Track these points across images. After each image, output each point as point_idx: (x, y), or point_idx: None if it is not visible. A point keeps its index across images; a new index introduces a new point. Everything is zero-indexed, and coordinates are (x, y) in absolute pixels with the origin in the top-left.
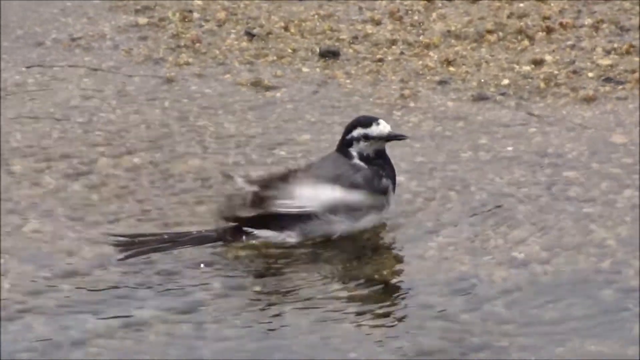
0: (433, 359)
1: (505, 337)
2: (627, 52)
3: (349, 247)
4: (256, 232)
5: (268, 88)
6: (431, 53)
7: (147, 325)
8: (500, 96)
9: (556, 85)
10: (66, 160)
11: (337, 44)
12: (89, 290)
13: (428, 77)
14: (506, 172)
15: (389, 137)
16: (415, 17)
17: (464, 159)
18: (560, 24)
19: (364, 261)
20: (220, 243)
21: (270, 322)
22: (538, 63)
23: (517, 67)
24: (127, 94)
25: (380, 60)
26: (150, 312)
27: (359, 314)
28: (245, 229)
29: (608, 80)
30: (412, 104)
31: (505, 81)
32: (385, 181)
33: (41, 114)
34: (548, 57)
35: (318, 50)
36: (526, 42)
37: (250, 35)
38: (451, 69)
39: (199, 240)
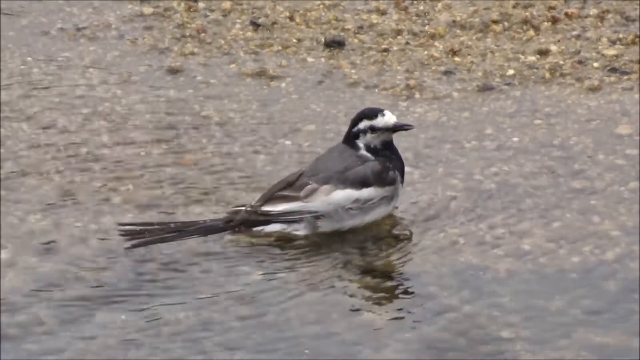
0: (439, 350)
1: (510, 328)
2: (633, 43)
3: (354, 239)
4: (266, 228)
5: (273, 78)
6: (436, 43)
7: (151, 317)
8: (506, 86)
9: (561, 76)
10: (71, 150)
11: (342, 33)
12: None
13: (433, 67)
14: (512, 163)
15: (395, 128)
16: (421, 7)
17: (469, 149)
18: (566, 14)
19: (369, 253)
20: (227, 232)
21: (275, 314)
22: (543, 53)
23: (522, 57)
24: (132, 83)
25: (385, 50)
26: (155, 304)
27: (364, 305)
28: (255, 228)
29: (613, 70)
30: (417, 94)
31: (511, 71)
32: (392, 173)
33: (46, 104)
34: (553, 47)
35: (323, 40)
36: (531, 32)
37: (256, 25)
38: (456, 59)
39: (207, 229)
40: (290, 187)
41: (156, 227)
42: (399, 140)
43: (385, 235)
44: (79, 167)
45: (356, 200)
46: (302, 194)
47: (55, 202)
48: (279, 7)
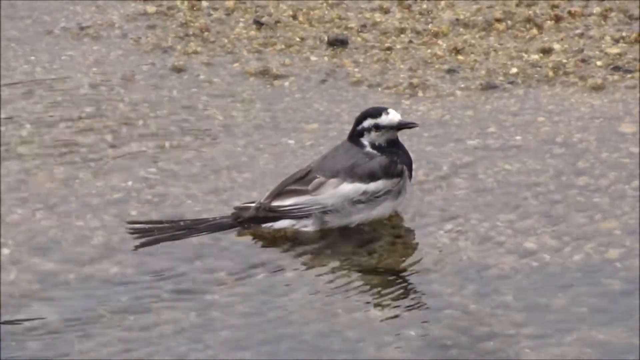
0: (442, 348)
1: (514, 326)
2: (636, 41)
3: (358, 237)
4: (275, 224)
5: (276, 77)
6: (440, 41)
7: (154, 314)
8: (509, 85)
9: (565, 74)
10: (74, 148)
11: (345, 32)
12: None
13: (437, 66)
14: (515, 161)
15: (400, 126)
16: (424, 6)
17: (472, 148)
18: (569, 12)
19: (372, 251)
20: (237, 229)
21: (279, 312)
22: (547, 51)
23: (525, 55)
24: (135, 82)
25: (388, 48)
26: (158, 301)
27: (367, 303)
28: (264, 225)
29: (617, 68)
30: (420, 93)
31: (514, 70)
32: (400, 166)
33: (49, 103)
34: (557, 46)
35: (326, 38)
36: (535, 31)
37: (259, 24)
38: (460, 57)
39: (216, 227)
40: (298, 182)
41: (165, 225)
42: (402, 139)
43: (388, 233)
44: (82, 166)
45: (364, 193)
46: (310, 187)
47: (58, 200)
48: (282, 6)
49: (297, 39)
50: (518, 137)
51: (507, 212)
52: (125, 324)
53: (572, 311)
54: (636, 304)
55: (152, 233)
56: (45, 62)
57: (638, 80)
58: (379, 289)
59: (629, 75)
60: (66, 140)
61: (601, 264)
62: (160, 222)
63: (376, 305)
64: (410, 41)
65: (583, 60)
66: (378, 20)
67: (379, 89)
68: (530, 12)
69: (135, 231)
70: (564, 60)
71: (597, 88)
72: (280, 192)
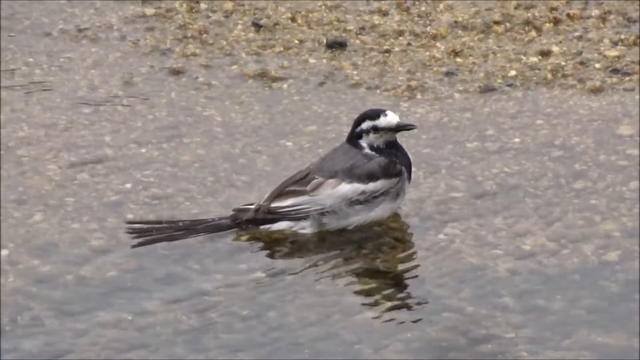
0: (440, 350)
1: (512, 329)
2: (635, 44)
3: (355, 240)
4: (274, 226)
5: (275, 79)
6: (438, 44)
7: (152, 316)
8: (507, 87)
9: (563, 77)
10: (73, 150)
11: (344, 34)
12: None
13: (435, 68)
14: (513, 164)
15: (398, 128)
16: (423, 8)
17: (470, 150)
18: (568, 15)
19: (370, 253)
20: (235, 230)
21: (276, 314)
22: (545, 54)
23: (524, 58)
24: (134, 84)
25: (387, 51)
26: (156, 304)
27: (365, 305)
28: (262, 227)
29: (615, 71)
30: (419, 95)
31: (513, 72)
32: (399, 166)
33: (48, 105)
34: (555, 48)
35: (325, 41)
36: (533, 33)
37: (257, 26)
38: (458, 60)
39: (214, 228)
40: (298, 183)
41: (164, 225)
42: (400, 142)
43: (386, 235)
44: (81, 168)
45: (362, 192)
46: (308, 187)
47: (56, 202)
48: (281, 8)
49: (296, 42)
50: (516, 140)
51: (505, 214)
52: (122, 326)
53: (571, 314)
54: (635, 307)
55: (151, 233)
56: (44, 64)
57: (636, 82)
58: (377, 291)
59: (627, 78)
60: (64, 142)
61: (599, 266)
62: (159, 222)
63: (374, 307)
64: (409, 44)
65: (582, 63)
66: (377, 22)
67: (378, 91)
68: (529, 14)
69: (133, 231)
70: (563, 63)
71: (595, 90)
72: (280, 193)
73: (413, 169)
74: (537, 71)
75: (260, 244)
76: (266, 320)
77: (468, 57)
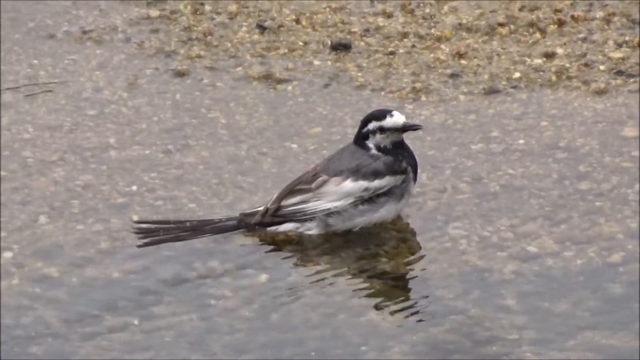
0: (444, 352)
1: (516, 330)
2: (639, 45)
3: (360, 241)
4: (280, 227)
5: (279, 81)
6: (443, 46)
7: (157, 318)
8: (512, 89)
9: (567, 78)
10: (78, 152)
11: (348, 36)
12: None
13: (439, 70)
14: (518, 165)
15: (404, 128)
16: (427, 10)
17: (475, 152)
18: (572, 16)
19: (375, 255)
20: (242, 231)
21: (281, 315)
22: (549, 56)
23: (528, 60)
24: (138, 86)
25: (391, 53)
26: (160, 306)
27: (370, 306)
28: (269, 228)
29: (619, 73)
30: (423, 97)
31: (517, 74)
32: (404, 164)
33: (52, 106)
34: (559, 50)
35: (329, 43)
36: (538, 35)
37: (262, 28)
38: (463, 62)
39: (221, 228)
40: (304, 182)
41: (171, 225)
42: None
43: (391, 237)
44: (85, 169)
45: (366, 189)
46: (314, 185)
47: (61, 204)
48: (285, 10)
49: (300, 43)
50: (521, 142)
51: (510, 216)
52: (127, 328)
53: (575, 315)
54: (639, 308)
55: (157, 234)
56: (48, 65)
57: None
58: (382, 292)
59: (631, 80)
60: (69, 144)
61: (603, 268)
62: (167, 222)
63: (379, 309)
64: (413, 45)
65: (586, 65)
66: (381, 24)
67: (382, 93)
68: (533, 16)
69: (140, 231)
70: (567, 65)
71: (600, 92)
72: (288, 193)
73: (418, 170)
74: (541, 73)
75: (266, 245)
76: (271, 322)
77: (472, 59)
